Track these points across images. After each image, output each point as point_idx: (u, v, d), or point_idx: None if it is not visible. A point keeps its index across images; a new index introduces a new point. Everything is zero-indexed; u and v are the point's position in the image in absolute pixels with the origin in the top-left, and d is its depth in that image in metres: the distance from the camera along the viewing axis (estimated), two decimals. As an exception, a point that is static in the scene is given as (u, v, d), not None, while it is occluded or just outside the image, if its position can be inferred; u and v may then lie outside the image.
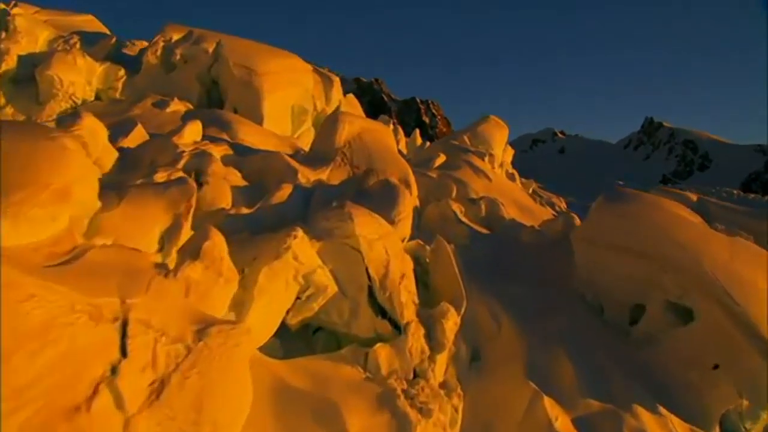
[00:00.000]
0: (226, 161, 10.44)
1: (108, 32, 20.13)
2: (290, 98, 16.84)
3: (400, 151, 23.51)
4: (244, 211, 7.97)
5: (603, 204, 11.71)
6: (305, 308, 6.99)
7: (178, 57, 16.29)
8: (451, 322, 7.35)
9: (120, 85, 16.38)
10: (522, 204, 16.28)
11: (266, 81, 15.67)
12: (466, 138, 18.80)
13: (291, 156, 11.27)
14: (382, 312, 7.01)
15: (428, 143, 26.97)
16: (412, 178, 10.95)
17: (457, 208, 12.85)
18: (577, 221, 13.66)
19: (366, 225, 6.77)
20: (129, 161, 9.90)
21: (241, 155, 11.22)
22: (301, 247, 6.57)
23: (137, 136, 11.74)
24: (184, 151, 8.55)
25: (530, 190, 27.45)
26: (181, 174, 7.12)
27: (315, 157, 11.07)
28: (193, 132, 9.77)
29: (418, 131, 26.98)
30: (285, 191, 8.56)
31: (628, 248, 10.65)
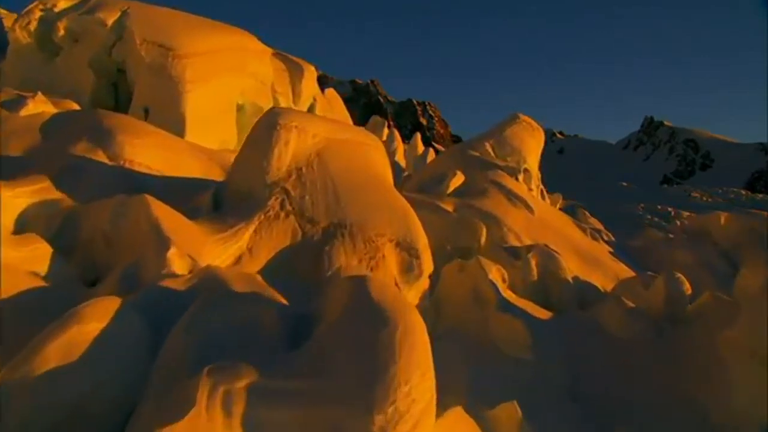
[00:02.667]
0: (29, 218, 5.00)
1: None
2: (234, 92, 11.38)
3: (396, 165, 18.09)
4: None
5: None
6: None
7: (62, 33, 10.85)
8: None
9: (-25, 75, 10.96)
10: (579, 247, 10.90)
11: (191, 66, 10.22)
12: (488, 146, 13.45)
13: (186, 201, 5.83)
14: None
15: (431, 150, 21.51)
16: (422, 242, 5.56)
17: (496, 274, 7.45)
18: (686, 286, 8.29)
19: None
20: None
21: (87, 200, 5.77)
22: None
23: None
24: None
25: (557, 207, 22.07)
26: None
27: (229, 202, 5.66)
28: None
29: (418, 135, 21.41)
30: (91, 325, 3.12)
31: None
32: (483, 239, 9.22)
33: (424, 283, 5.67)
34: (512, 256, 8.81)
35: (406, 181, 14.28)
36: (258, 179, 5.56)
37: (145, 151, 8.19)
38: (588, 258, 10.48)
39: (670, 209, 40.04)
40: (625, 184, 76.89)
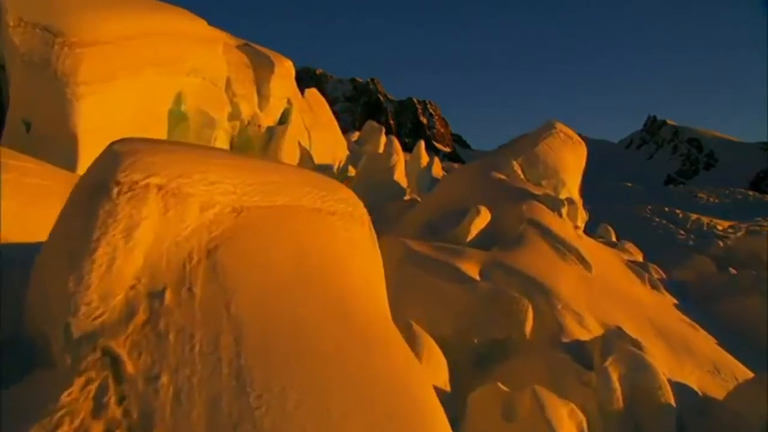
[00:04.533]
0: None
1: None
2: (163, 96, 8.03)
3: (395, 185, 14.58)
4: None
5: None
6: None
7: None
8: None
9: None
10: (656, 319, 7.62)
11: (89, 59, 6.90)
12: (516, 165, 10.13)
13: None
14: None
15: (437, 160, 18.14)
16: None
17: (569, 423, 4.21)
18: None
19: None
20: None
21: None
22: None
23: None
24: None
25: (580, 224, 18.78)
26: None
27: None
28: None
29: (422, 144, 17.94)
30: None
31: None
32: (529, 327, 5.92)
33: None
34: (578, 360, 5.54)
35: (407, 210, 10.93)
36: (53, 328, 2.24)
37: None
38: (673, 338, 7.19)
39: (678, 211, 39.93)
40: (629, 184, 74.51)
